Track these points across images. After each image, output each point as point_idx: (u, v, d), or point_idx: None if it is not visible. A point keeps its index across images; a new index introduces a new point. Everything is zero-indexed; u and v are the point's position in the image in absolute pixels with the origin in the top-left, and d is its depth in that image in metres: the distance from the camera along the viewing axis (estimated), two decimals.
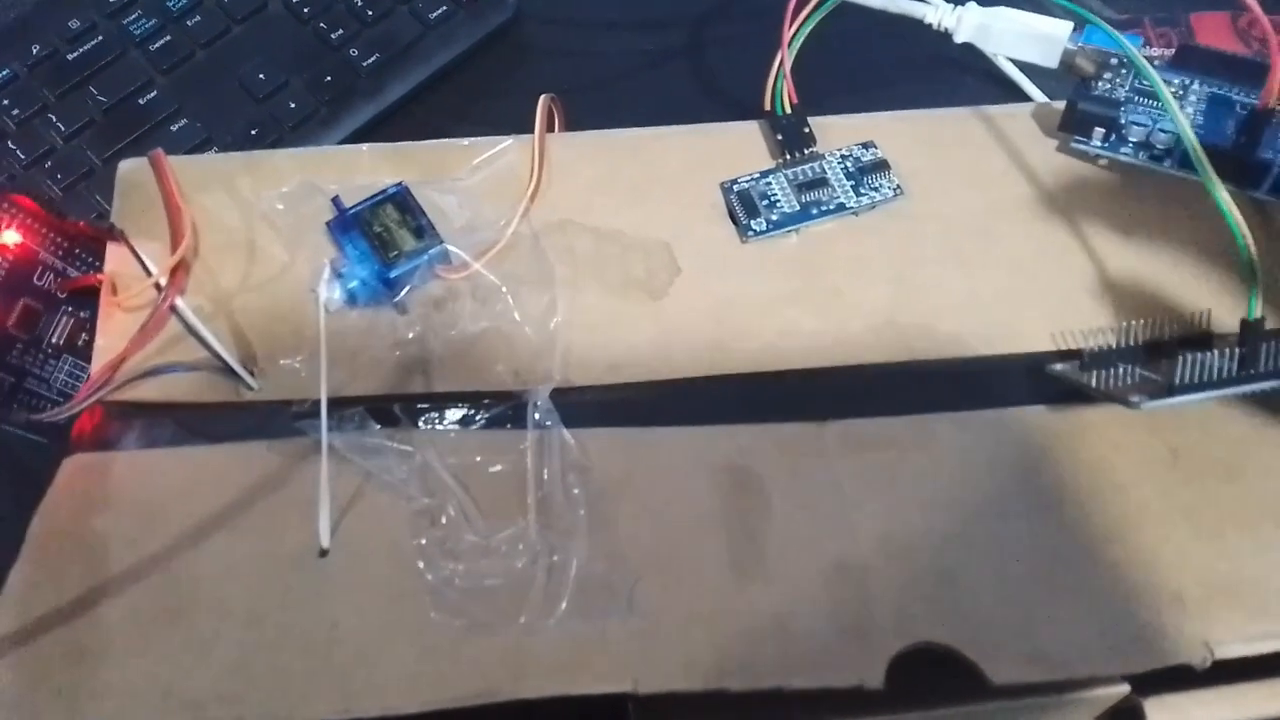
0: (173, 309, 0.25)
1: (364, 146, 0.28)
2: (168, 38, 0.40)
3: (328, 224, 0.26)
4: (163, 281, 0.25)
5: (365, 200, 0.26)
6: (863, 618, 0.21)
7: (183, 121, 0.38)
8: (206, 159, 0.28)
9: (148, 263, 0.25)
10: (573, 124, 0.31)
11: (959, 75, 0.40)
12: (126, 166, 0.27)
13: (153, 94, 0.39)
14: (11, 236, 0.25)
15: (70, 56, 0.40)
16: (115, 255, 0.26)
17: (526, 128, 0.29)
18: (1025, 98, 0.39)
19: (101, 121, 0.38)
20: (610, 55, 0.43)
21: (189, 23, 0.41)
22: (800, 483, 0.23)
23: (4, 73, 0.39)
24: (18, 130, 0.38)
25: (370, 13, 0.41)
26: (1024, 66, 0.38)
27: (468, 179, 0.28)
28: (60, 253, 0.27)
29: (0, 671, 0.19)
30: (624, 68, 0.43)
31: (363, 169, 0.28)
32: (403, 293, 0.26)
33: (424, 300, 0.26)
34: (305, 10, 0.41)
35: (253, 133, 0.38)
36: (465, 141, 0.29)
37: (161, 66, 0.40)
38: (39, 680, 0.19)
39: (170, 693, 0.19)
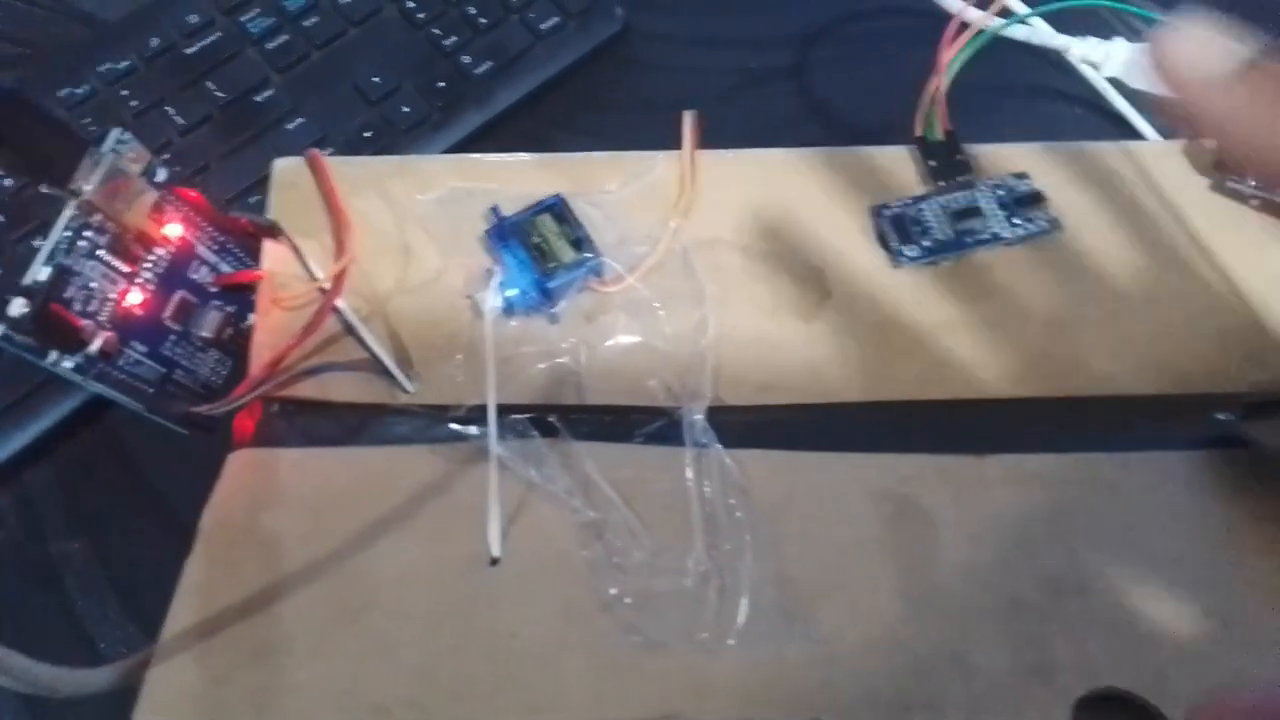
0: (334, 310, 0.25)
1: (517, 156, 0.29)
2: (285, 37, 0.41)
3: (486, 232, 0.27)
4: (327, 285, 0.26)
5: (524, 210, 0.27)
6: (1043, 657, 0.21)
7: (299, 120, 0.39)
8: (359, 161, 0.29)
9: (311, 265, 0.26)
10: (678, 141, 0.31)
11: (1065, 107, 0.40)
12: (281, 165, 0.28)
13: (269, 92, 0.40)
14: (175, 230, 0.26)
15: (188, 51, 0.41)
16: (272, 253, 0.27)
17: (632, 141, 0.30)
18: (1134, 131, 0.40)
19: (218, 117, 0.39)
20: (715, 73, 0.44)
21: (305, 23, 0.42)
22: (964, 515, 0.24)
23: (124, 64, 0.40)
24: (135, 121, 0.39)
25: (483, 21, 0.42)
26: (1132, 98, 0.39)
27: (618, 192, 0.28)
28: (214, 247, 0.27)
29: (185, 665, 0.20)
30: (729, 86, 0.44)
31: (513, 178, 0.28)
32: (559, 304, 0.26)
33: (576, 312, 0.27)
34: (420, 16, 0.42)
35: (366, 135, 0.39)
36: (614, 155, 0.29)
37: (278, 65, 0.41)
38: (224, 677, 0.20)
39: (354, 694, 0.20)
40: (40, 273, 0.23)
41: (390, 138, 0.39)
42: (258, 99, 0.40)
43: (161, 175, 0.25)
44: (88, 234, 0.23)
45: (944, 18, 0.35)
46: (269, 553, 0.22)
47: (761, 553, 0.22)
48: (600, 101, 0.43)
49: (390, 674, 0.20)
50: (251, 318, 0.29)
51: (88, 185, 0.22)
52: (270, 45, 0.41)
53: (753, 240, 0.28)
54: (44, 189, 0.23)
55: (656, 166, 0.29)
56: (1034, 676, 0.21)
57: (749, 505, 0.23)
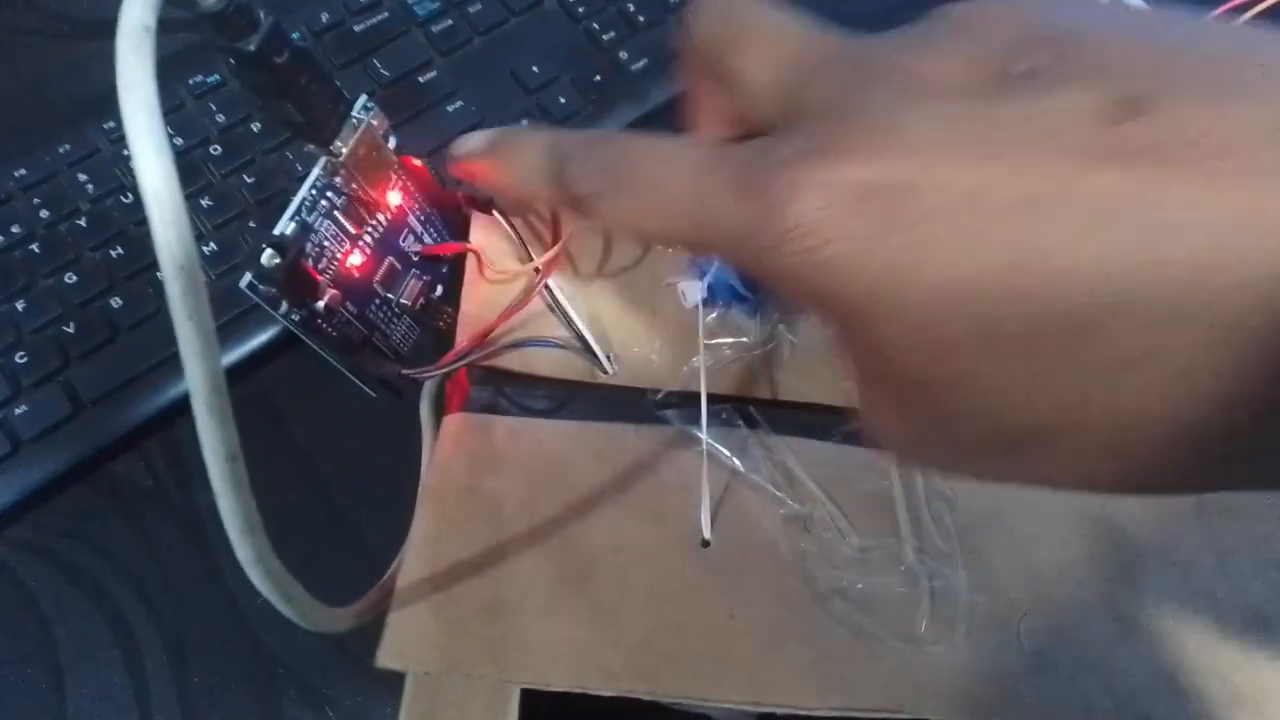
0: (546, 288, 0.26)
1: None
2: (449, 22, 0.43)
3: None
4: (538, 264, 0.26)
5: None
6: (1255, 687, 0.21)
7: (458, 103, 0.41)
8: None
9: (528, 245, 0.27)
10: None
11: None
12: None
13: (432, 74, 0.41)
14: (395, 198, 0.27)
15: (357, 28, 0.42)
16: (480, 228, 0.28)
17: None
18: None
19: (382, 95, 0.40)
20: None
21: (470, 9, 0.43)
22: (1169, 542, 0.24)
23: (294, 35, 0.41)
24: None
25: (641, 19, 0.43)
26: None
27: None
28: (421, 218, 0.29)
29: (422, 614, 0.21)
30: None
31: None
32: (759, 296, 0.27)
33: (775, 306, 0.27)
34: (580, 10, 0.43)
35: (523, 122, 0.40)
36: None
37: (441, 48, 0.42)
38: (462, 628, 0.21)
39: (585, 657, 0.20)
40: (288, 227, 0.24)
41: None
42: (420, 79, 0.41)
43: (392, 143, 0.27)
44: (329, 194, 0.25)
45: None
46: (492, 513, 0.23)
47: (971, 561, 0.23)
48: None
49: (616, 641, 0.21)
50: (439, 289, 0.30)
51: (345, 148, 0.24)
52: (435, 28, 0.42)
53: None
54: (309, 148, 0.24)
55: None
56: (1245, 707, 0.21)
57: (955, 514, 0.24)
